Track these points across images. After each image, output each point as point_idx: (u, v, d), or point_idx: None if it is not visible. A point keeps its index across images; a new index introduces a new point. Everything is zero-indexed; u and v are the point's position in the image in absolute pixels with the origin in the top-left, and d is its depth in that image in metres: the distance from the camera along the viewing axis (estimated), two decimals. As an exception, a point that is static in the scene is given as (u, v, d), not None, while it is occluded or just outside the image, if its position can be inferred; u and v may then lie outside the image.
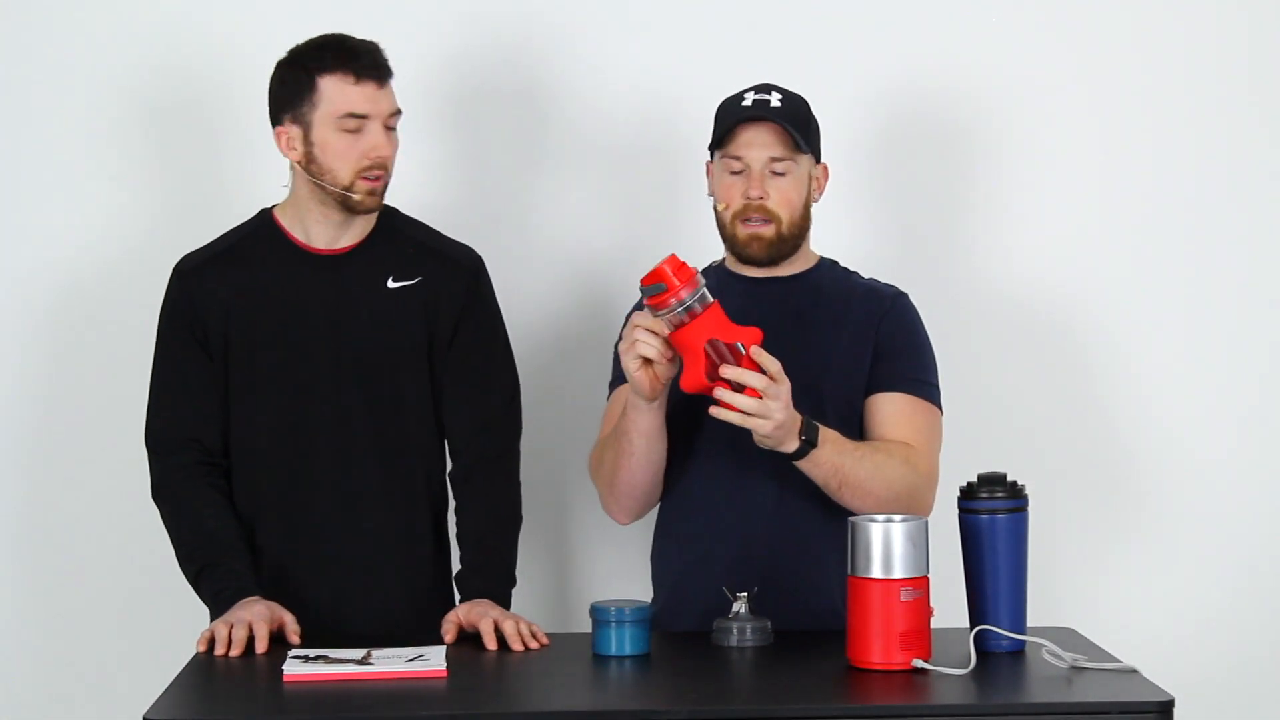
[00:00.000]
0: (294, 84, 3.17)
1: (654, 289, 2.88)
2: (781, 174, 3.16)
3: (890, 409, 3.17)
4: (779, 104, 3.16)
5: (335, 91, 3.14)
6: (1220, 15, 3.89)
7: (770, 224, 3.17)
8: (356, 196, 3.16)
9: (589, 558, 3.90)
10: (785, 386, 2.93)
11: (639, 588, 3.55)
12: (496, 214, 3.83)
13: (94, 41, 3.82)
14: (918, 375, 3.20)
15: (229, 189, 3.71)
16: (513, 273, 3.58)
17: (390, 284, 3.23)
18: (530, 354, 3.65)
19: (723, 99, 3.23)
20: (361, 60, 3.14)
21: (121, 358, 3.65)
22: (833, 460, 3.04)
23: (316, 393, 3.21)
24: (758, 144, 3.15)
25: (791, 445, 3.00)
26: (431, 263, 3.26)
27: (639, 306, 3.27)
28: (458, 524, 3.26)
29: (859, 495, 3.05)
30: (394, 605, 3.23)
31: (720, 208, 3.20)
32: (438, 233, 3.33)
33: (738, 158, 3.16)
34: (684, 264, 2.90)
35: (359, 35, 3.20)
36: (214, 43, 3.82)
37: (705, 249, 3.34)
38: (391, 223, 3.28)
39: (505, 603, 3.15)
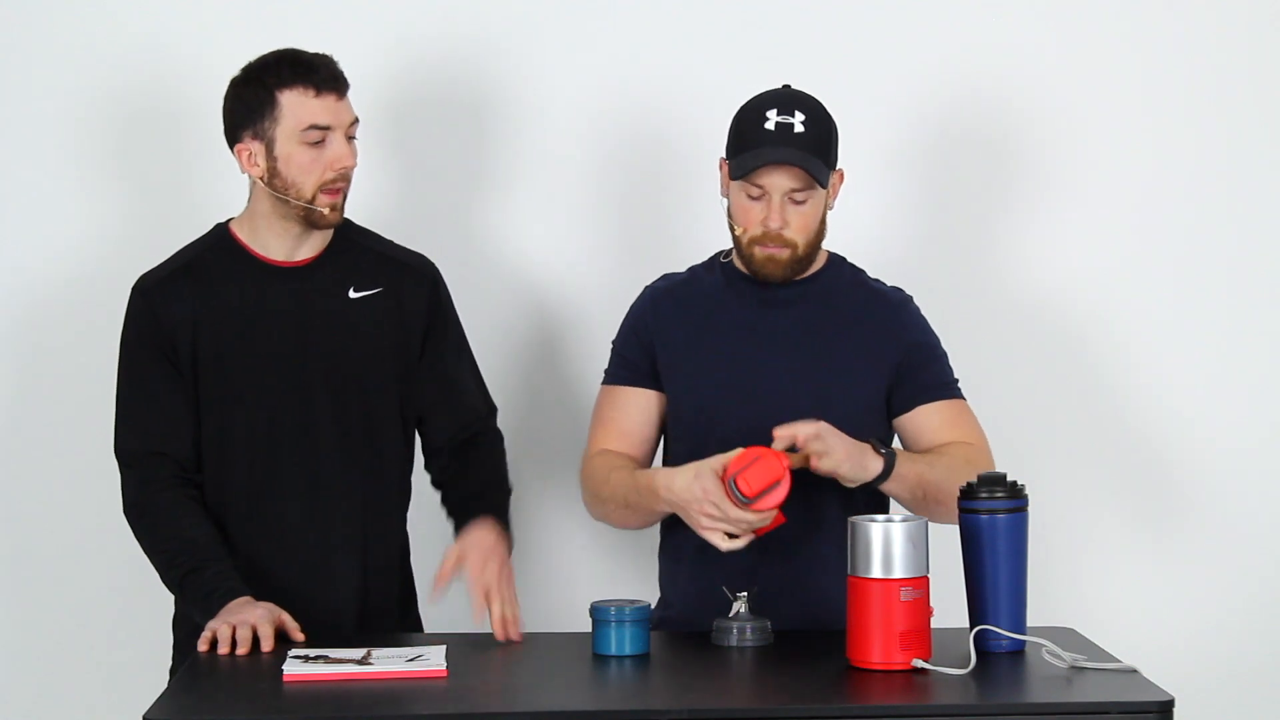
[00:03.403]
0: (253, 100, 3.17)
1: (768, 490, 2.93)
2: (801, 202, 3.12)
3: (937, 418, 3.19)
4: (803, 129, 3.10)
5: (297, 105, 3.15)
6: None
7: (787, 249, 3.14)
8: (320, 210, 3.18)
9: (589, 558, 3.89)
10: (821, 424, 2.97)
11: (639, 588, 3.55)
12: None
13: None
14: (944, 379, 3.23)
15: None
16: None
17: (352, 294, 3.26)
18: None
19: (742, 105, 3.16)
20: (320, 73, 3.16)
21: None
22: (914, 470, 3.07)
23: (285, 404, 3.22)
24: (779, 174, 3.10)
25: (876, 466, 3.03)
26: (391, 272, 3.29)
27: (640, 319, 3.25)
28: (449, 491, 3.31)
29: (942, 502, 3.06)
30: (355, 606, 3.26)
31: (737, 231, 3.16)
32: (392, 242, 3.35)
33: (759, 185, 3.11)
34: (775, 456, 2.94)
35: (311, 48, 3.19)
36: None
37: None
38: (347, 233, 3.30)
39: (504, 511, 3.23)
